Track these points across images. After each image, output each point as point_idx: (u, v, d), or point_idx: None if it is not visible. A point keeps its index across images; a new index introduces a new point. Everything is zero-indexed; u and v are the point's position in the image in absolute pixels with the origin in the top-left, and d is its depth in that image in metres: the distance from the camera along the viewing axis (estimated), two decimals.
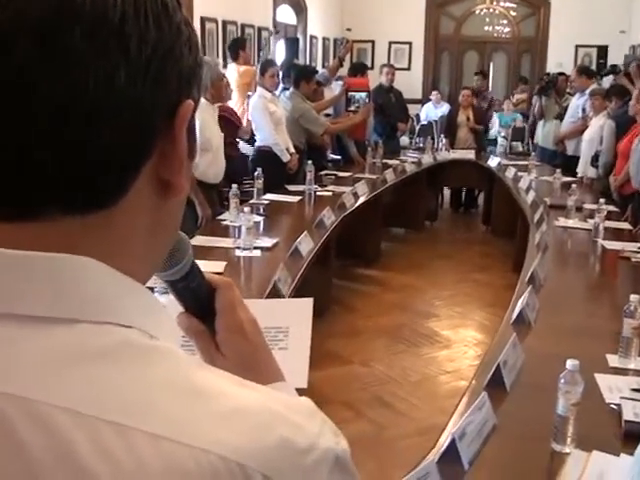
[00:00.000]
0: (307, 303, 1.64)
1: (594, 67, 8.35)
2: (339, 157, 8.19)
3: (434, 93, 11.66)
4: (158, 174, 0.58)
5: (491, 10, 13.25)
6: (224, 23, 8.49)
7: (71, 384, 0.51)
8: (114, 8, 0.53)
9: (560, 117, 7.97)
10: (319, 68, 10.35)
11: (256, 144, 6.09)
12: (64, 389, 0.51)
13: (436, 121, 10.20)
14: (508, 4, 13.14)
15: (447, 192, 9.59)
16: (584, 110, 7.41)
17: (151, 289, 0.61)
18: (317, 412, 0.59)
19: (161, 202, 0.60)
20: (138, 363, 0.54)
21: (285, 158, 6.01)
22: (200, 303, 0.84)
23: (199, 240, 4.01)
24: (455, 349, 4.98)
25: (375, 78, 9.17)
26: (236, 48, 7.42)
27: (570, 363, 1.98)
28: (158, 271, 0.76)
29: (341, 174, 6.84)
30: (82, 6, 0.52)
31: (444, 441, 1.93)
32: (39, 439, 0.49)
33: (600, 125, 6.48)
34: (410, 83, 9.93)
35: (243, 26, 8.97)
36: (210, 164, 4.86)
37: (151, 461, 0.50)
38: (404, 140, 9.78)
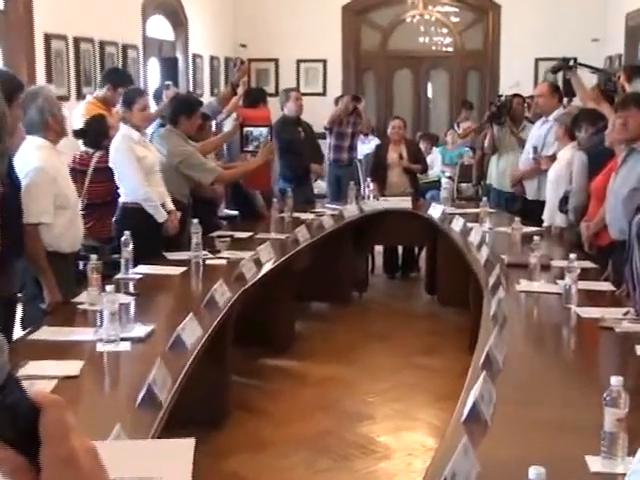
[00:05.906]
0: (187, 445, 1.63)
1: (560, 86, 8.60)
2: (236, 212, 8.22)
3: None
4: None
5: (426, 17, 13.26)
6: (76, 41, 8.49)
7: None
8: None
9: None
10: (206, 97, 10.46)
11: (120, 200, 6.02)
12: None
13: (361, 160, 10.35)
14: (447, 8, 13.35)
15: (379, 252, 9.70)
16: (535, 149, 7.59)
17: None
18: None
19: None
20: None
21: (160, 217, 5.95)
22: (18, 427, 0.84)
23: (46, 332, 3.93)
24: (397, 460, 4.98)
25: (279, 108, 9.29)
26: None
27: (533, 472, 2.01)
28: None
29: (239, 235, 6.87)
30: None
31: None
32: None
33: (568, 159, 6.57)
34: (325, 113, 10.01)
35: (102, 44, 9.00)
36: (69, 226, 4.78)
37: None
38: (320, 186, 9.88)
